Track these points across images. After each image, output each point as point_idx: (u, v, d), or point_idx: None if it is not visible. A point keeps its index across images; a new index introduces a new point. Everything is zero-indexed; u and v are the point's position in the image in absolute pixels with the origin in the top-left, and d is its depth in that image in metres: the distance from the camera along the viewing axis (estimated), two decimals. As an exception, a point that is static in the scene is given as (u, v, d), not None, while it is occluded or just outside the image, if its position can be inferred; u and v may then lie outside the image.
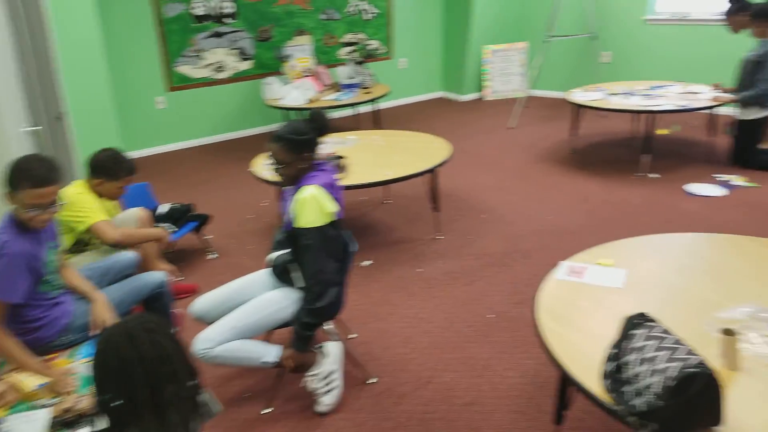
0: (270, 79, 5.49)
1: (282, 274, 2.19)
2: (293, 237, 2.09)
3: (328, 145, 3.71)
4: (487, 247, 3.45)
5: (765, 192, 3.93)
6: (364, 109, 5.99)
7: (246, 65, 6.02)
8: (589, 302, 1.87)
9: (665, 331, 1.46)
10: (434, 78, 7.50)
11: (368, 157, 3.50)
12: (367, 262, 3.33)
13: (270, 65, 6.06)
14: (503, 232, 3.63)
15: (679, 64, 6.04)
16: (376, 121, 5.77)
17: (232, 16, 5.82)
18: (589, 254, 2.17)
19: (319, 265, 2.03)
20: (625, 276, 2.00)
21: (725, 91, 4.45)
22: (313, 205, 2.02)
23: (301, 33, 6.19)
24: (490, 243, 3.49)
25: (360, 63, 5.67)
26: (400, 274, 3.20)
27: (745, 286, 1.88)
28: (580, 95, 4.75)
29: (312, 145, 2.12)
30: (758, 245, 2.15)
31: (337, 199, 2.12)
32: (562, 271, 2.07)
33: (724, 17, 4.58)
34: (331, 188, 2.11)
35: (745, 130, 4.35)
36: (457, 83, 7.31)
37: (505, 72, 7.18)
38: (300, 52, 5.76)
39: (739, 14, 4.44)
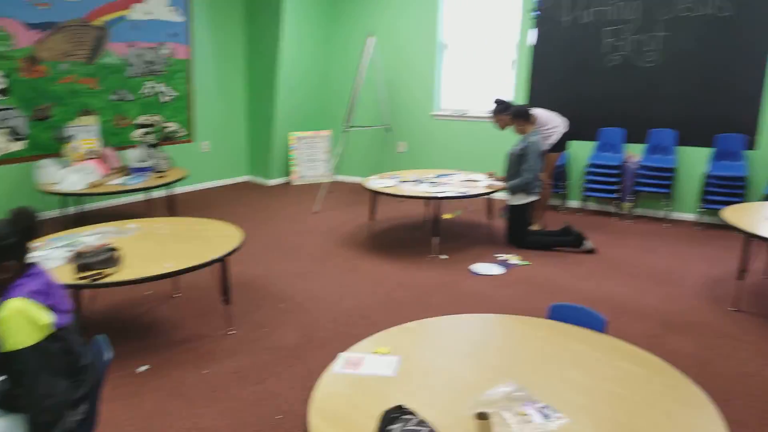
0: (45, 162, 4.93)
1: (5, 402, 1.79)
2: (5, 362, 1.71)
3: (103, 234, 3.34)
4: (282, 339, 3.30)
5: (535, 269, 4.39)
6: (158, 194, 5.64)
7: (18, 146, 5.34)
8: (364, 396, 1.81)
9: (421, 423, 1.43)
10: (240, 162, 7.41)
11: (149, 248, 3.20)
12: (143, 368, 2.96)
13: (48, 146, 5.47)
14: (300, 321, 3.52)
15: (461, 155, 6.74)
16: (171, 207, 5.44)
17: (2, 92, 5.19)
18: (369, 342, 2.14)
19: (42, 390, 1.67)
20: (398, 364, 1.99)
21: (498, 180, 5.02)
22: (19, 322, 1.66)
23: (87, 113, 5.73)
24: (286, 334, 3.35)
25: (154, 146, 5.37)
26: (181, 378, 2.88)
27: (508, 366, 1.97)
28: (375, 182, 4.98)
29: (16, 250, 1.77)
30: (523, 324, 2.30)
31: (55, 306, 1.78)
32: (339, 363, 2.00)
33: (491, 116, 5.22)
34: (46, 295, 1.77)
35: (515, 214, 4.89)
36: (264, 168, 7.31)
37: (311, 158, 7.37)
38: (85, 133, 5.30)
39: (503, 114, 5.10)
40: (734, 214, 3.73)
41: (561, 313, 2.35)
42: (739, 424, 2.51)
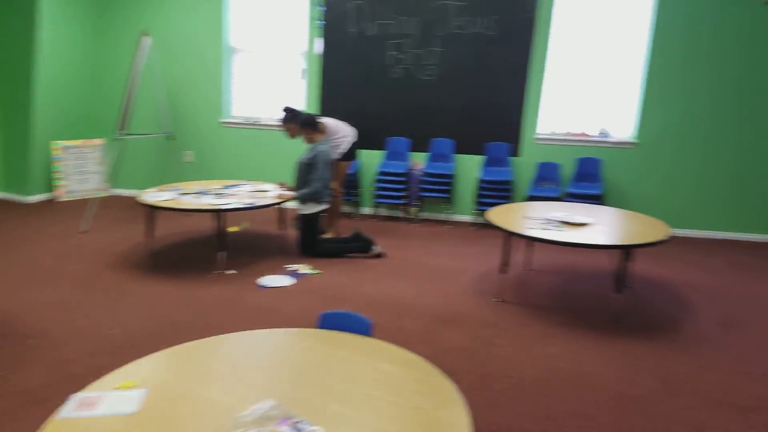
0: None
1: None
2: None
3: None
4: (26, 381, 2.77)
5: (326, 277, 4.36)
6: None
7: None
8: (95, 441, 1.54)
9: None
10: (-11, 177, 6.32)
11: None
12: None
13: None
14: (52, 359, 3.00)
15: (252, 164, 6.54)
16: None
17: None
18: (117, 375, 1.85)
19: None
20: (143, 397, 1.74)
21: (288, 189, 4.92)
22: None
23: None
24: (32, 376, 2.83)
25: None
26: None
27: (269, 383, 1.84)
28: (151, 195, 4.55)
29: None
30: (290, 337, 2.19)
31: None
32: (70, 406, 1.69)
33: (281, 125, 5.12)
34: None
35: (306, 223, 4.84)
36: (21, 182, 6.31)
37: (81, 170, 6.55)
38: None
39: (291, 123, 5.04)
40: (497, 215, 4.10)
41: (330, 321, 2.30)
42: (495, 407, 2.70)
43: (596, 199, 5.67)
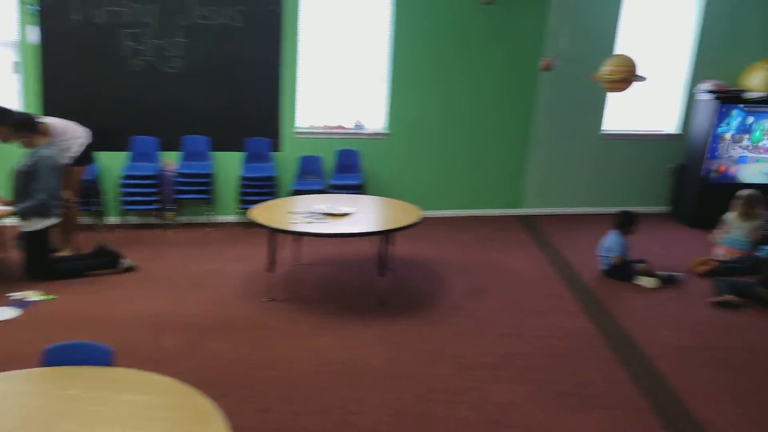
0: None
1: None
2: None
3: None
4: None
5: (62, 302, 3.72)
6: None
7: None
8: None
9: None
10: None
11: None
12: None
13: None
14: None
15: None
16: None
17: None
18: None
19: None
20: None
21: (4, 204, 4.08)
22: None
23: None
24: None
25: None
26: None
27: None
28: None
29: None
30: (5, 382, 1.75)
31: None
32: None
33: (-14, 128, 4.20)
34: None
35: (33, 242, 4.07)
36: None
37: None
38: None
39: (2, 125, 4.17)
40: (261, 212, 3.93)
41: (58, 356, 1.90)
42: (268, 411, 2.57)
43: (357, 189, 5.86)
